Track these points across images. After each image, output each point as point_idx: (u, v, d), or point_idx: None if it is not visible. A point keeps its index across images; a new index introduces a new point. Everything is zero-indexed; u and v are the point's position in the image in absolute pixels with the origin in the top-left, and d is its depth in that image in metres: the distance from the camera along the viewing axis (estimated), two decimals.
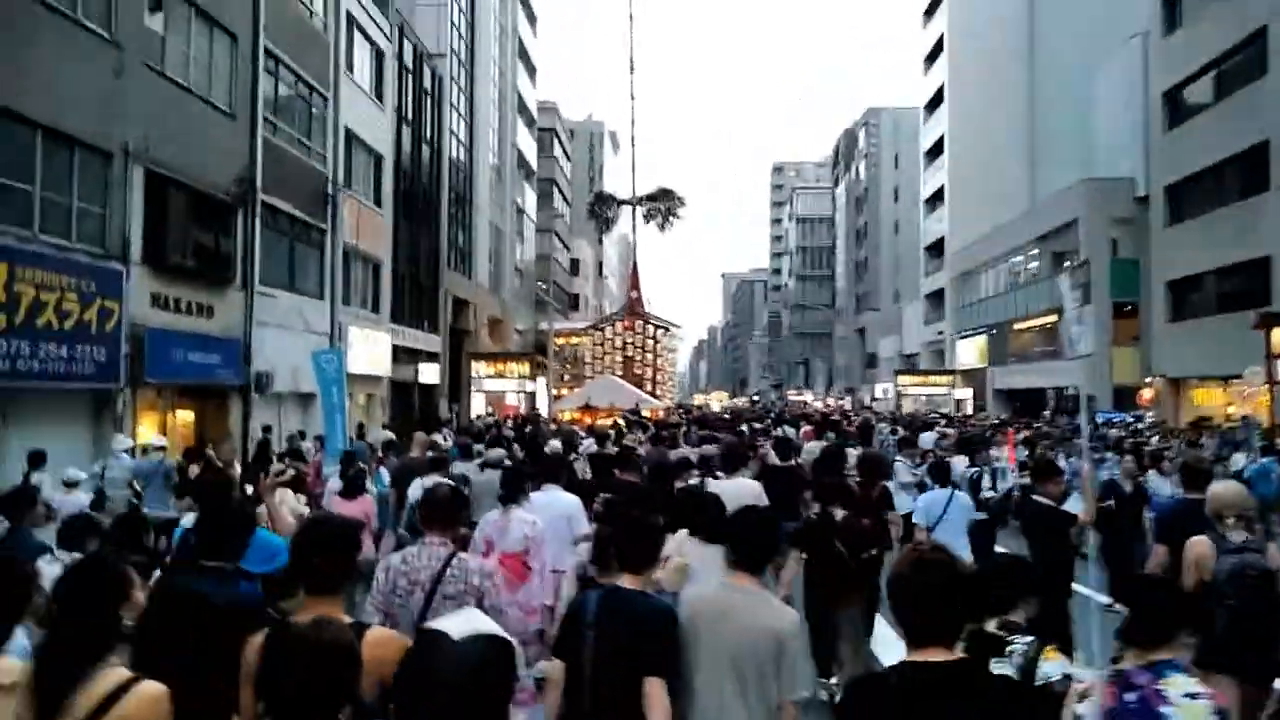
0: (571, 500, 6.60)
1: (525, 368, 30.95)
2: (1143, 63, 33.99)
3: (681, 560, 4.60)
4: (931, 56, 57.22)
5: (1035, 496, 6.41)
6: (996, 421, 25.77)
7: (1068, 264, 35.79)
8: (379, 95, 24.32)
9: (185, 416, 17.02)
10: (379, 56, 24.22)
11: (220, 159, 16.52)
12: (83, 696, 2.33)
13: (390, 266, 25.17)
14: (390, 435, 17.81)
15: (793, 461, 9.98)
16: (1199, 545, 4.73)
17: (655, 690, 3.12)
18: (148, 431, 15.25)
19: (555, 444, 11.85)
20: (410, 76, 27.21)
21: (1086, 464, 7.22)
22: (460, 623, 2.82)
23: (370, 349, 23.36)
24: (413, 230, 27.69)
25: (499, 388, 32.67)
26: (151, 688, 2.40)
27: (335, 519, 4.01)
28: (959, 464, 11.11)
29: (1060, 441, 15.68)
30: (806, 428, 19.06)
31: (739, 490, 6.74)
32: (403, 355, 26.57)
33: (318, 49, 20.47)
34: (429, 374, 28.61)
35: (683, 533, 5.02)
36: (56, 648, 2.40)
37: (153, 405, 15.71)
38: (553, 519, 6.08)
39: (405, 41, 26.49)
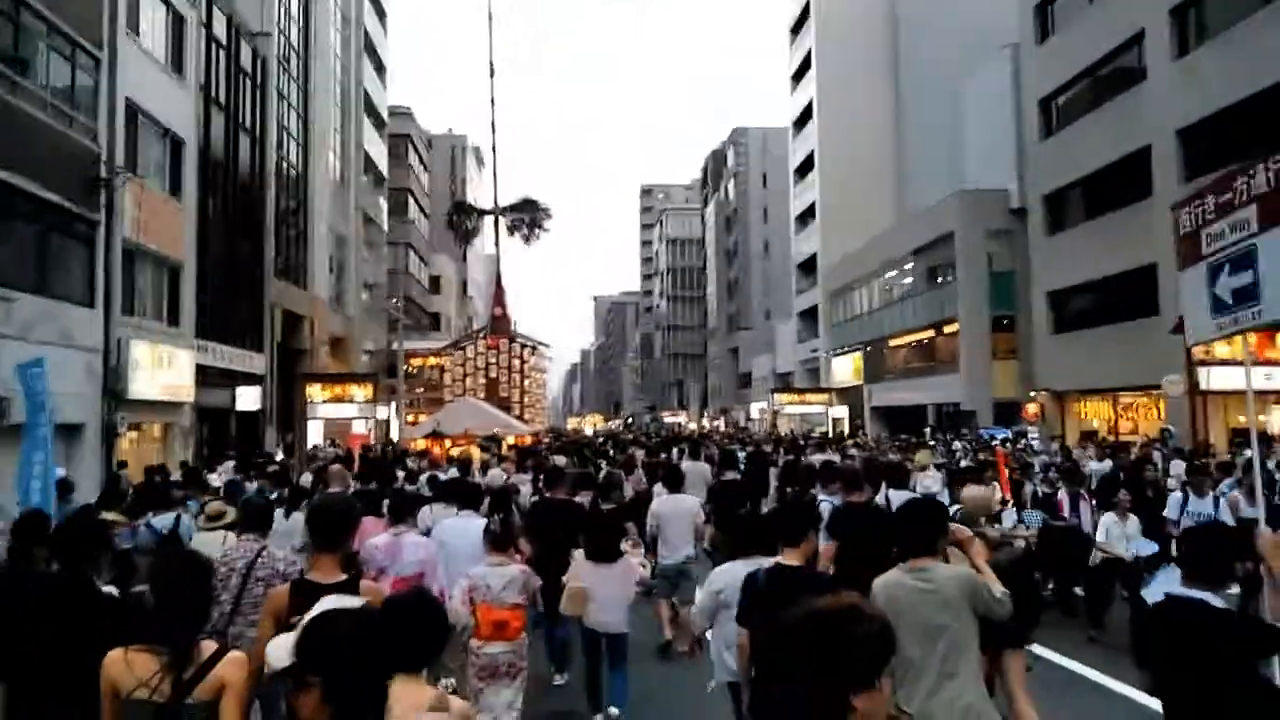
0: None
1: (368, 391, 27.07)
2: (1012, 73, 33.56)
3: (576, 586, 5.58)
4: (799, 74, 56.70)
5: (1194, 593, 3.30)
6: (901, 442, 23.88)
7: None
8: (177, 68, 20.35)
9: None
10: (178, 21, 20.27)
11: None
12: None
13: (195, 271, 21.08)
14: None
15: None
16: None
17: None
18: None
19: (497, 472, 12.41)
20: (222, 52, 23.22)
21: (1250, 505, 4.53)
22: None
23: (165, 370, 19.27)
24: (229, 232, 23.62)
25: (339, 414, 28.67)
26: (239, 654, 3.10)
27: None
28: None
29: (1024, 470, 12.37)
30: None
31: (679, 505, 8.45)
32: (215, 377, 22.45)
33: None
34: (248, 399, 24.40)
35: (579, 554, 5.35)
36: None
37: None
38: (469, 545, 6.16)
39: (215, 9, 22.56)
